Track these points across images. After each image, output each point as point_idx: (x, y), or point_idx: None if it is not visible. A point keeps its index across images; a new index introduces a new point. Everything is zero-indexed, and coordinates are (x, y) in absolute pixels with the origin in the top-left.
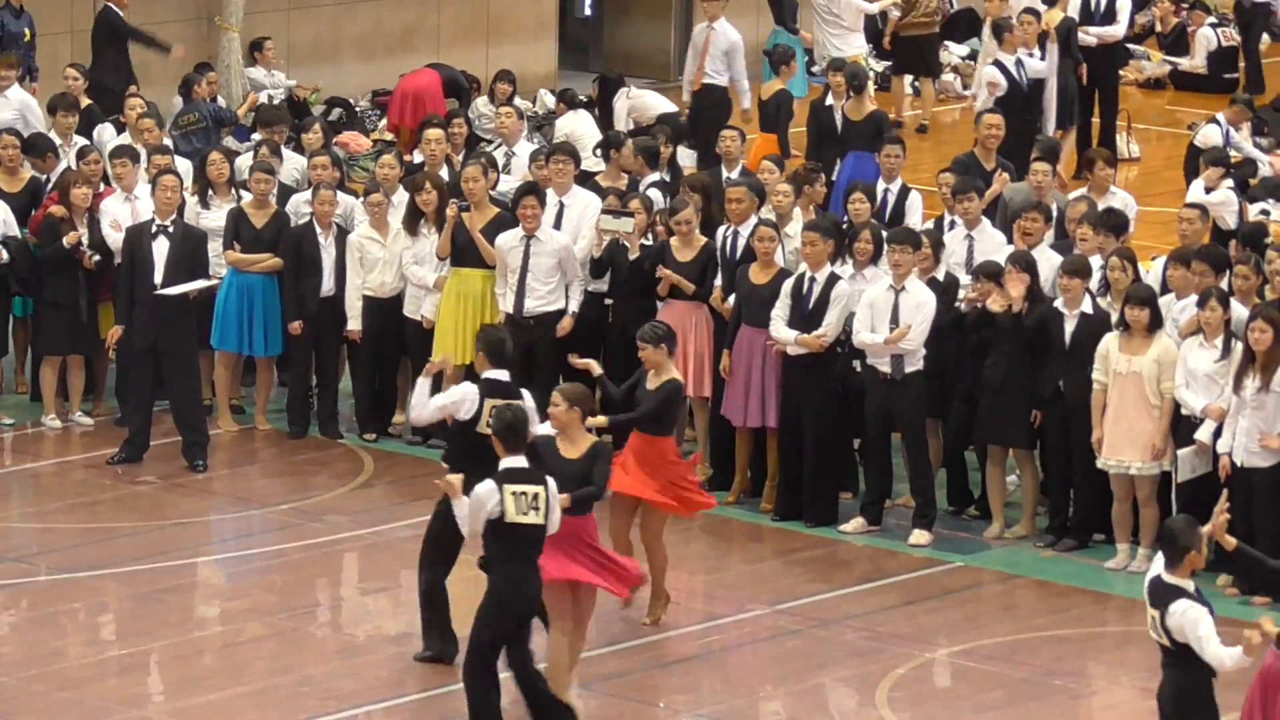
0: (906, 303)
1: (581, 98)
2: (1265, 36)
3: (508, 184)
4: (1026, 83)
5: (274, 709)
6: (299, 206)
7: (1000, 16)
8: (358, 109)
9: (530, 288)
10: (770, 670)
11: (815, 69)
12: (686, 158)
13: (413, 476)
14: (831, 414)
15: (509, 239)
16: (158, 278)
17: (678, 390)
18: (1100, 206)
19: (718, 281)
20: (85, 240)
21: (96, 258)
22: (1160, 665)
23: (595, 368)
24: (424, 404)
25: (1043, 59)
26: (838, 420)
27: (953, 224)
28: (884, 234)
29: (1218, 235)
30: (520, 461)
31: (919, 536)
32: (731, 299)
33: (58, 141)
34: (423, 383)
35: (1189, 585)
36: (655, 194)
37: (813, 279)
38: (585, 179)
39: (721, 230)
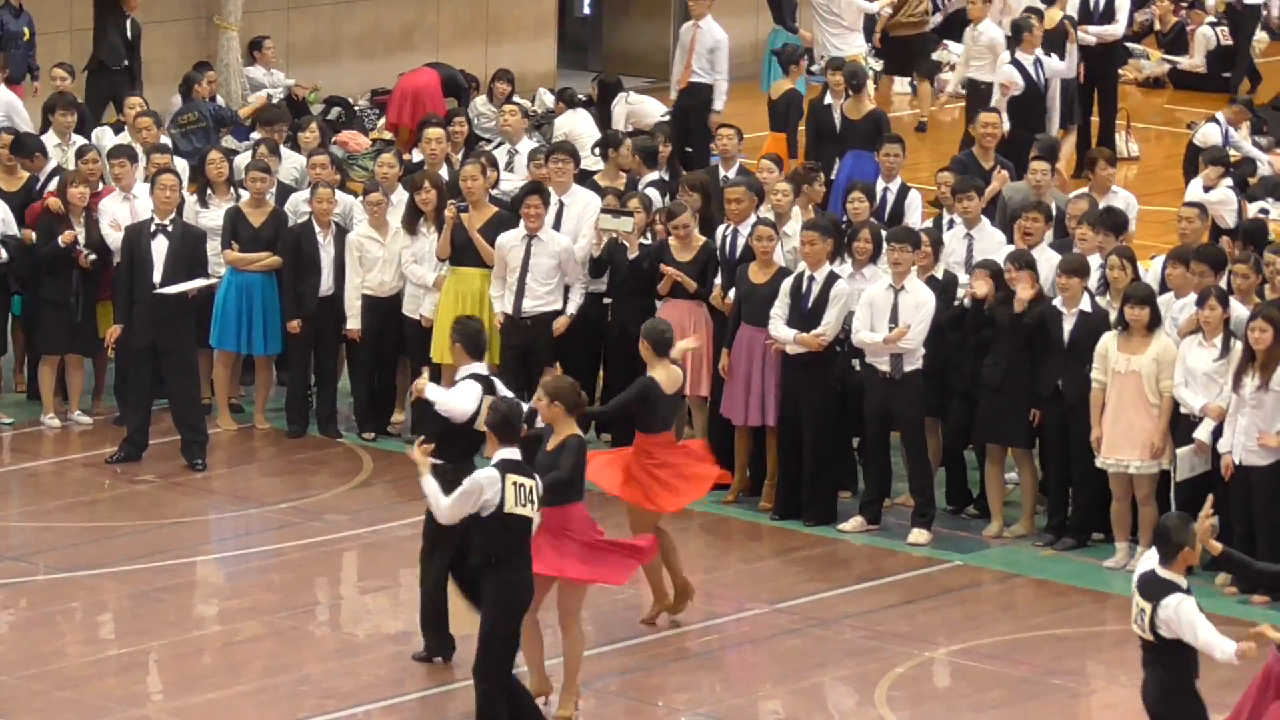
0: (906, 302)
1: (580, 96)
2: (1264, 35)
3: (510, 182)
4: (1044, 83)
5: (273, 708)
6: (298, 205)
7: (980, 19)
8: (356, 108)
9: (529, 288)
10: (769, 669)
11: (814, 68)
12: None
13: (412, 475)
14: (830, 413)
15: (510, 238)
16: (157, 277)
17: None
18: (1101, 205)
19: (718, 280)
20: (82, 240)
21: (93, 257)
22: (1142, 664)
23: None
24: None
25: (1062, 59)
26: (837, 419)
27: (951, 223)
28: (883, 233)
29: (1216, 234)
30: (515, 453)
31: (918, 535)
32: (731, 294)
33: (56, 140)
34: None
35: (1182, 582)
36: (653, 193)
37: (811, 278)
38: (584, 178)
39: (721, 229)
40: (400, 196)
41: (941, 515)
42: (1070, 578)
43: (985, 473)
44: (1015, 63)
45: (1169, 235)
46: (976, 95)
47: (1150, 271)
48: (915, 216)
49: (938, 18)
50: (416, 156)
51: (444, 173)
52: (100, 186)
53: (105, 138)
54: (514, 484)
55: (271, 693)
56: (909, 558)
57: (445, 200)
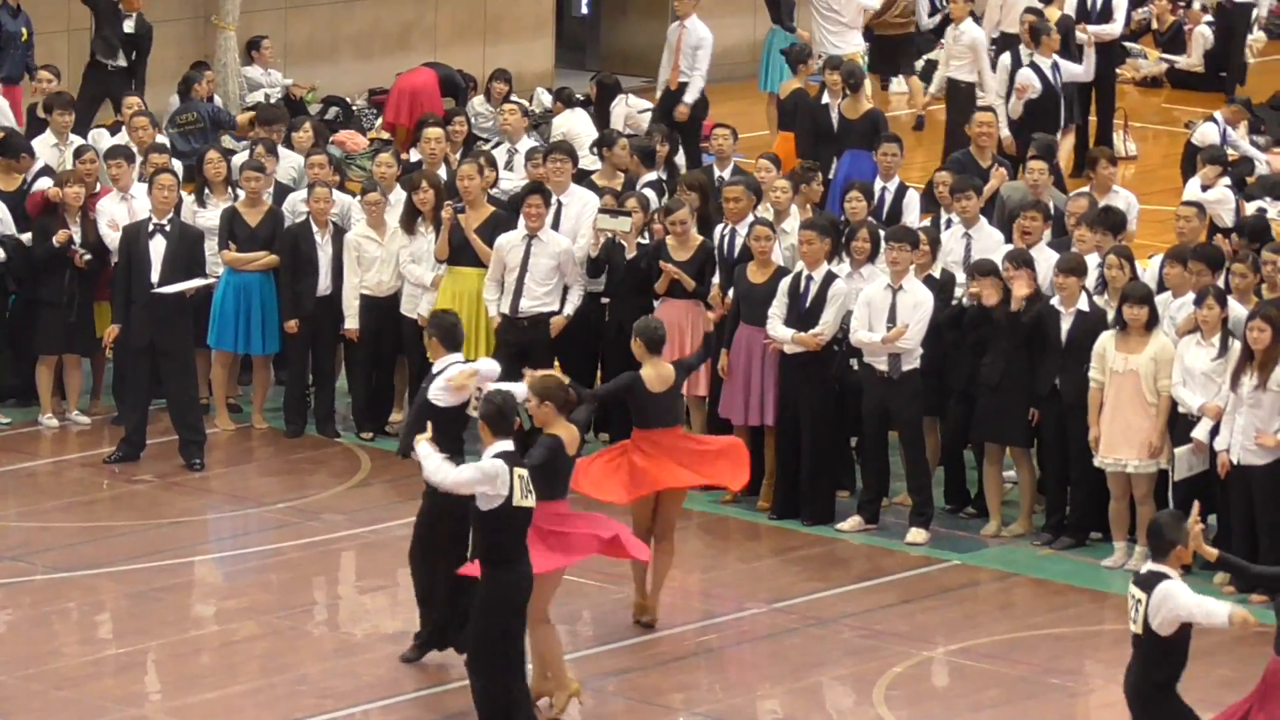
0: (904, 302)
1: (579, 96)
2: (1262, 35)
3: (509, 181)
4: (1060, 86)
5: (271, 708)
6: (295, 205)
7: (961, 18)
8: (354, 108)
9: (527, 288)
10: (767, 668)
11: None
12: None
13: (410, 475)
14: (828, 412)
15: (510, 239)
16: (154, 276)
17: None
18: (1100, 205)
19: (715, 280)
20: (77, 239)
21: (88, 257)
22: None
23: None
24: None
25: (1079, 62)
26: (835, 418)
27: (949, 222)
28: (881, 233)
29: (1214, 233)
30: (510, 445)
31: (916, 535)
32: (730, 294)
33: (53, 140)
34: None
35: (1175, 575)
36: (650, 193)
37: (810, 277)
38: (581, 178)
39: (719, 229)
40: (398, 196)
41: (940, 514)
42: (1068, 577)
43: (983, 472)
44: (1033, 66)
45: (1167, 234)
46: (957, 95)
47: (1148, 271)
48: (913, 216)
49: (936, 18)
50: (414, 156)
51: (442, 172)
52: (98, 187)
53: (102, 140)
54: (518, 476)
55: (269, 692)
56: (907, 557)
57: (443, 200)
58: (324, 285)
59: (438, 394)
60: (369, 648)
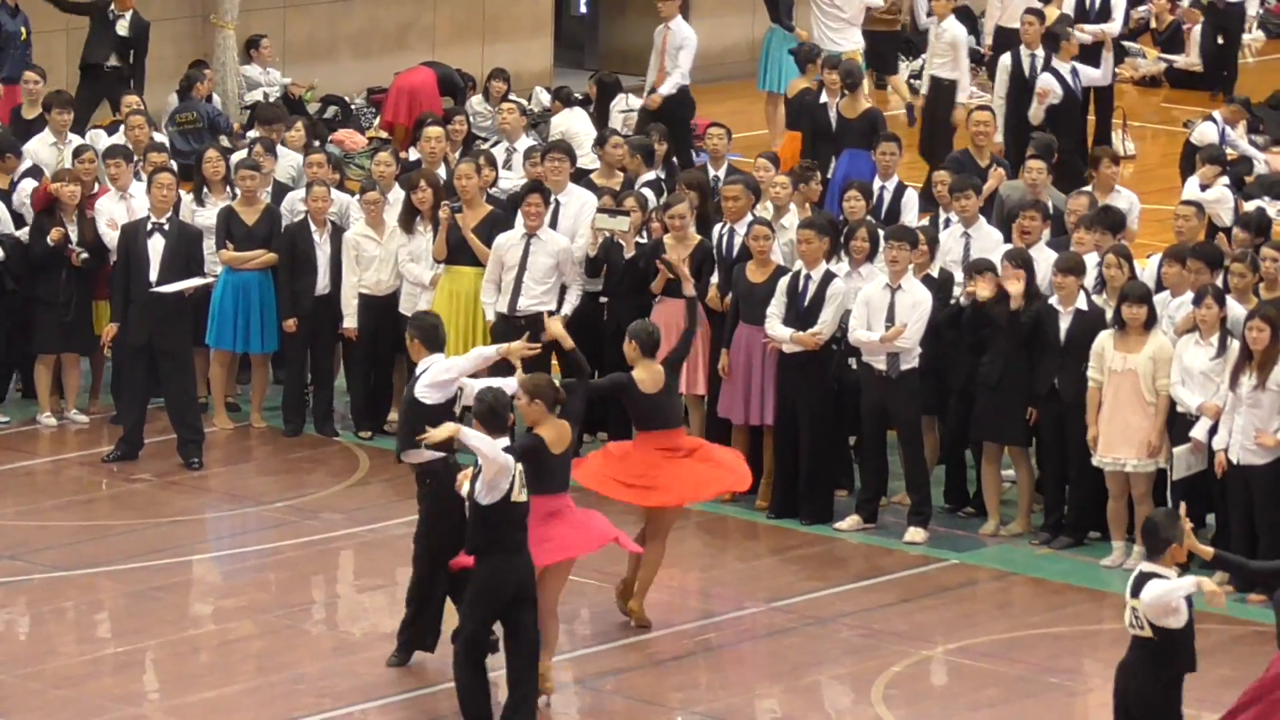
0: (903, 301)
1: (577, 95)
2: (1260, 34)
3: (509, 180)
4: (1080, 90)
5: (269, 707)
6: (294, 204)
7: (944, 15)
8: (353, 107)
9: (526, 287)
10: (766, 668)
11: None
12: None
13: (408, 474)
14: (827, 411)
15: (509, 238)
16: (153, 275)
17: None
18: (1100, 204)
19: (714, 279)
20: (74, 238)
21: (84, 255)
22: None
23: (565, 340)
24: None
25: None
26: (833, 418)
27: (948, 222)
28: (881, 232)
29: (1213, 232)
30: (507, 442)
31: (914, 534)
32: (729, 297)
33: (52, 139)
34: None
35: (1167, 574)
36: (649, 193)
37: (808, 277)
38: (579, 177)
39: (717, 228)
40: (397, 195)
41: (938, 514)
42: (1067, 576)
43: (982, 471)
44: (1053, 71)
45: (1165, 234)
46: (939, 92)
47: (1147, 270)
48: (912, 215)
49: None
50: (413, 155)
51: (441, 172)
52: (95, 187)
53: (99, 141)
54: (519, 472)
55: (267, 691)
56: (905, 556)
57: (441, 199)
58: (322, 284)
59: (424, 391)
60: (367, 647)
